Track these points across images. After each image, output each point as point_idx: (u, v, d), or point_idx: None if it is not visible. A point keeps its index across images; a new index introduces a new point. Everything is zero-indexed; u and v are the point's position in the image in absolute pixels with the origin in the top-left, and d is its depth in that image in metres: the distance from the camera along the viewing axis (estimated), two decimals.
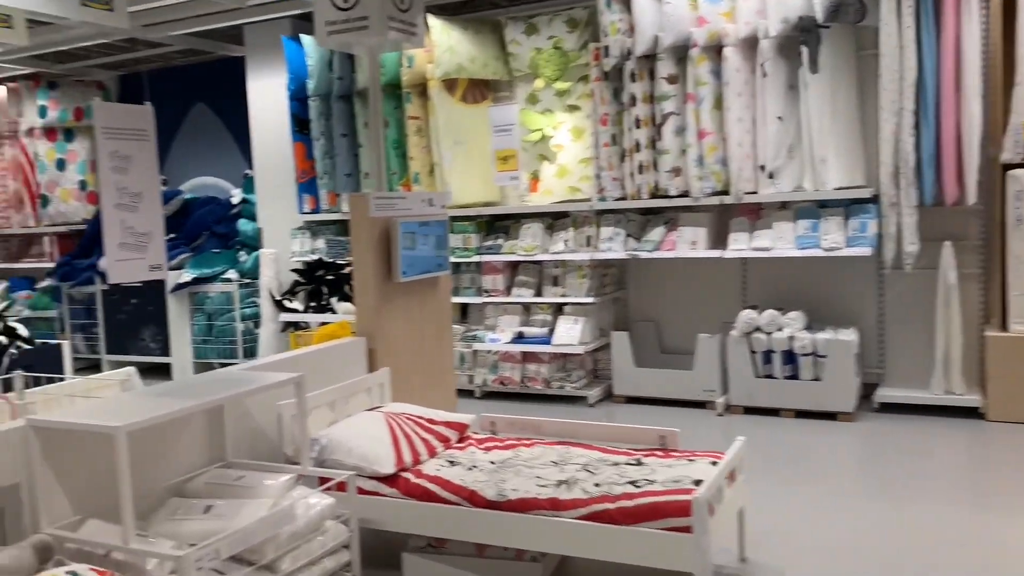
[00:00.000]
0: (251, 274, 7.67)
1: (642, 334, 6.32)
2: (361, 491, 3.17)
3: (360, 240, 4.11)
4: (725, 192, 5.63)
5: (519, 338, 6.20)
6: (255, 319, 7.65)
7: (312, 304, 7.09)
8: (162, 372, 7.79)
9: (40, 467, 2.54)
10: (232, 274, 7.63)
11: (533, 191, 6.66)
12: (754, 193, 5.58)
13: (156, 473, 2.96)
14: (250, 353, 7.60)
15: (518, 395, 6.28)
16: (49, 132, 8.60)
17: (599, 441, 3.57)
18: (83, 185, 8.72)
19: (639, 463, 3.25)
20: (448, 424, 3.68)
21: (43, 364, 5.94)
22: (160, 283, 7.61)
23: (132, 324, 7.79)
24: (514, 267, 6.47)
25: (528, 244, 6.23)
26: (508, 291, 6.41)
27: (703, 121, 5.61)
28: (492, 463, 3.34)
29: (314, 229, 7.23)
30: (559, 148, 6.53)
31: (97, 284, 7.94)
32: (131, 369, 4.51)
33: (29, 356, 5.87)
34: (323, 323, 6.71)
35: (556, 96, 6.47)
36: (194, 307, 7.71)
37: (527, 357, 6.21)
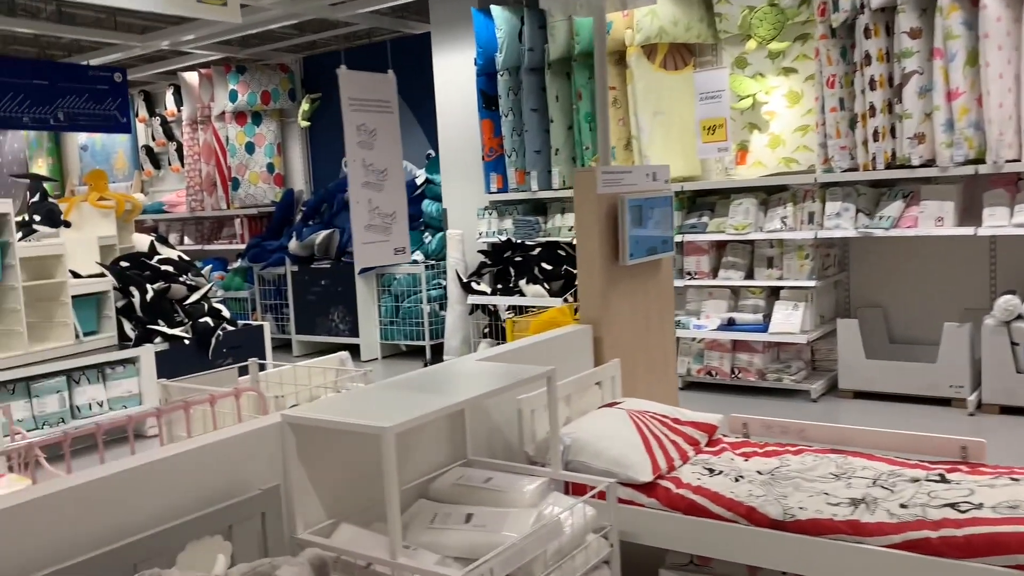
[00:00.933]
0: (436, 255, 7.54)
1: (868, 322, 5.67)
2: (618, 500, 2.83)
3: (585, 219, 3.76)
4: (980, 160, 4.90)
5: (729, 324, 5.71)
6: (441, 301, 7.51)
7: (499, 286, 6.85)
8: (351, 353, 7.79)
9: (296, 467, 2.34)
10: (418, 255, 7.51)
11: (740, 163, 6.13)
12: (1016, 161, 4.82)
13: (400, 472, 2.73)
14: (436, 335, 7.48)
15: (726, 387, 5.80)
16: (239, 116, 8.79)
17: (878, 450, 3.07)
18: (270, 168, 8.88)
19: (942, 479, 2.73)
20: (695, 425, 3.28)
21: (247, 345, 6.00)
22: (348, 264, 7.61)
23: (321, 305, 7.84)
24: (720, 247, 5.97)
25: (740, 222, 5.70)
26: (714, 273, 5.92)
27: (953, 80, 4.89)
28: (759, 473, 2.92)
29: (501, 209, 6.99)
30: (771, 116, 5.96)
31: (287, 265, 8.05)
32: (344, 354, 4.37)
33: (235, 337, 5.93)
34: (521, 308, 6.47)
35: (768, 58, 5.90)
36: (381, 288, 7.66)
37: (738, 346, 5.71)
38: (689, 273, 5.97)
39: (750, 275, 5.81)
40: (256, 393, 2.67)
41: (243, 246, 8.88)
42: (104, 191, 6.53)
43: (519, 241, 6.75)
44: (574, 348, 3.69)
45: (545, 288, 6.49)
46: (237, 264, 8.75)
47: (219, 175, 8.99)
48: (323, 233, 7.73)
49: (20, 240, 4.91)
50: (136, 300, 5.54)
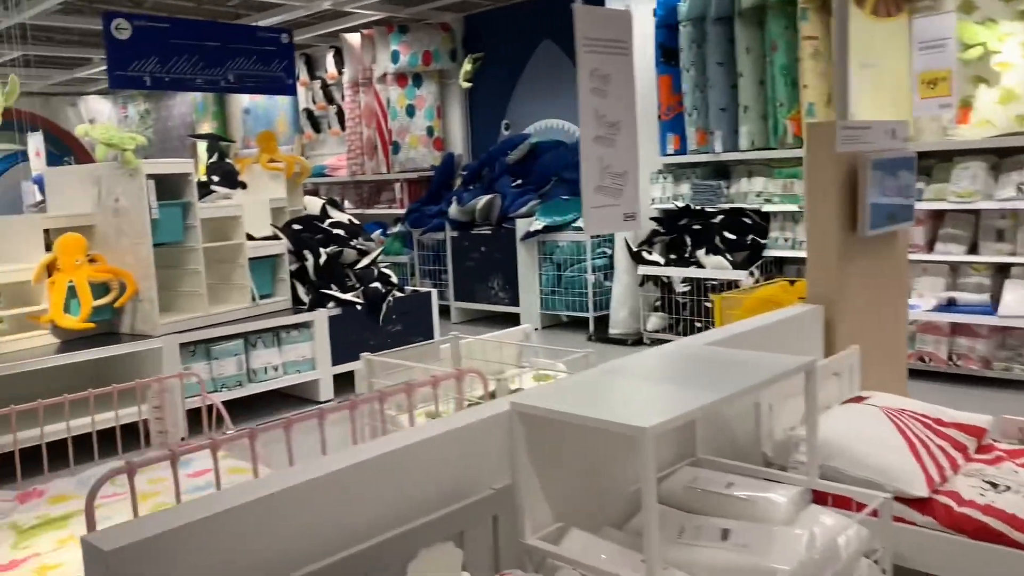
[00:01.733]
0: None
1: None
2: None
3: (819, 181, 3.27)
4: None
5: (949, 305, 5.04)
6: (606, 271, 7.13)
7: (672, 256, 6.39)
8: (510, 321, 7.56)
9: (526, 463, 2.03)
10: (582, 222, 7.13)
11: (961, 122, 5.38)
12: None
13: (624, 470, 2.38)
14: (600, 307, 7.11)
15: (942, 375, 5.14)
16: (400, 78, 8.64)
17: None
18: (430, 131, 8.70)
19: None
20: (960, 427, 2.76)
21: (415, 311, 5.82)
22: (510, 231, 7.33)
23: (480, 271, 7.62)
24: (937, 217, 5.27)
25: (965, 188, 5.00)
26: (930, 247, 5.24)
27: None
28: None
29: (677, 173, 6.50)
30: (1004, 67, 5.17)
31: (447, 230, 7.86)
32: (528, 327, 4.07)
33: (403, 303, 5.75)
34: (698, 280, 6.00)
35: (1003, 1, 5.11)
36: (542, 256, 7.35)
37: (958, 329, 5.04)
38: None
39: (973, 249, 5.10)
40: (477, 375, 2.38)
41: (402, 211, 8.78)
42: (274, 152, 6.49)
43: (698, 208, 6.25)
44: (801, 332, 3.23)
45: (728, 259, 5.99)
46: (396, 229, 8.66)
47: (380, 138, 8.90)
48: (484, 198, 7.48)
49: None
50: (310, 264, 5.44)
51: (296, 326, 5.23)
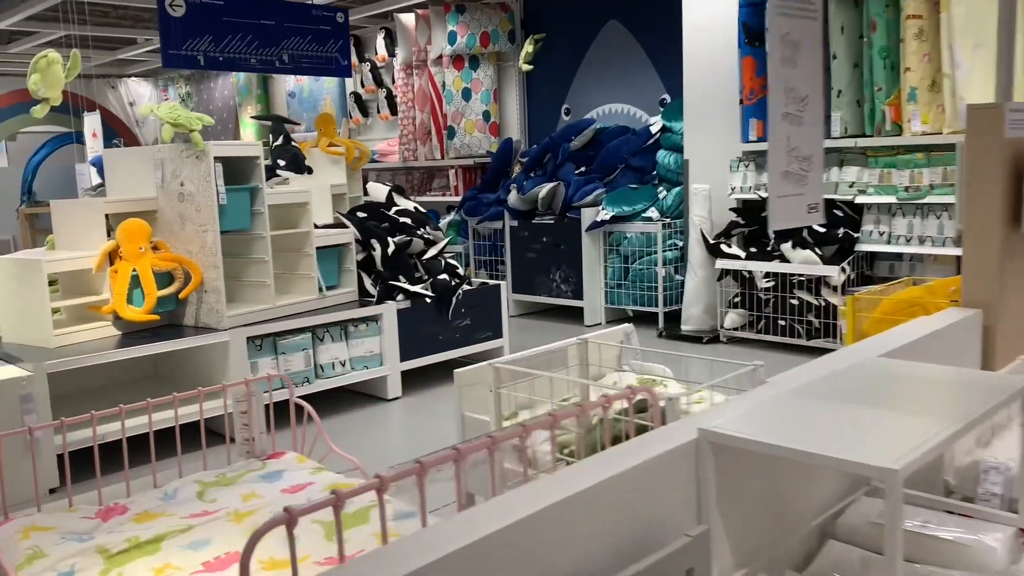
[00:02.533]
0: (672, 213, 6.79)
1: None
2: None
3: (981, 170, 2.90)
4: None
5: None
6: (676, 264, 6.78)
7: (752, 250, 6.03)
8: (572, 316, 7.25)
9: (716, 502, 1.71)
10: (652, 212, 6.79)
11: None
12: None
13: (802, 503, 2.06)
14: (670, 302, 6.77)
15: None
16: (456, 60, 8.31)
17: None
18: (486, 116, 8.38)
19: None
20: None
21: (484, 304, 5.52)
22: (574, 220, 7.00)
23: (541, 263, 7.30)
24: None
25: None
26: None
27: None
28: None
29: (760, 161, 6.12)
30: None
31: (505, 219, 7.54)
32: (629, 327, 3.73)
33: (472, 296, 5.45)
34: (783, 275, 5.64)
35: None
36: (608, 248, 7.01)
37: None
38: None
39: None
40: (649, 395, 2.06)
41: (455, 198, 8.48)
42: (333, 136, 6.20)
43: None
44: (956, 340, 2.88)
45: (817, 254, 5.62)
46: (451, 217, 8.36)
47: (434, 123, 8.59)
48: (547, 186, 7.14)
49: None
50: (377, 253, 5.15)
51: (364, 320, 4.94)
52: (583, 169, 7.32)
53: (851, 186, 5.61)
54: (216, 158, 4.25)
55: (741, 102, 6.15)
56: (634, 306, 6.91)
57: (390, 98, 9.52)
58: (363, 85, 9.84)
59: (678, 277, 6.82)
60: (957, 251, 5.12)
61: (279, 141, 5.05)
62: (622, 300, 6.97)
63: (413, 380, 5.31)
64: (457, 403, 3.06)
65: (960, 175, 3.00)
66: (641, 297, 6.84)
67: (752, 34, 6.00)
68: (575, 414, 1.69)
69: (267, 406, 3.01)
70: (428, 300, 5.21)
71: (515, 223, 7.49)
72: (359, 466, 2.80)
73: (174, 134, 4.15)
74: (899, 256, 5.64)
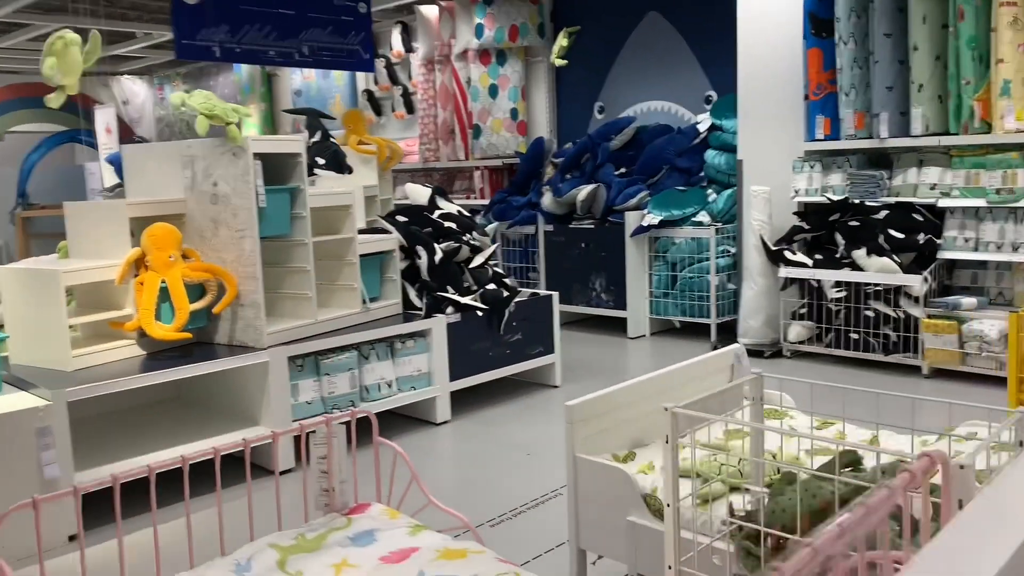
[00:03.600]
0: (723, 217, 6.33)
1: None
2: None
3: None
4: None
5: None
6: (729, 272, 6.33)
7: (818, 257, 5.58)
8: (613, 327, 6.78)
9: None
10: (703, 216, 6.34)
11: None
12: None
13: None
14: (723, 312, 6.32)
15: None
16: (483, 54, 7.84)
17: None
18: (514, 114, 7.90)
19: None
20: None
21: (535, 317, 5.04)
22: (617, 225, 6.53)
23: (580, 270, 6.83)
24: None
25: None
26: None
27: None
28: None
29: (827, 161, 5.68)
30: None
31: (539, 224, 7.06)
32: (739, 347, 3.27)
33: (521, 308, 4.96)
34: (855, 285, 5.17)
35: None
36: (654, 254, 6.55)
37: None
38: None
39: None
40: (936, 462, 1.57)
41: (480, 201, 8.00)
42: (363, 133, 5.71)
43: (858, 201, 5.44)
44: None
45: (895, 261, 5.18)
46: (479, 221, 7.87)
47: (458, 121, 8.11)
48: (587, 188, 6.68)
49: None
50: (423, 262, 4.66)
51: (412, 335, 4.45)
52: (624, 170, 6.86)
53: (932, 188, 5.18)
54: (255, 154, 3.74)
55: (806, 98, 5.70)
56: (682, 317, 6.45)
57: (406, 96, 9.03)
58: (377, 82, 9.34)
59: (731, 286, 6.36)
60: None
61: (316, 137, 4.55)
62: (669, 310, 6.51)
63: (462, 401, 4.82)
64: (568, 442, 2.57)
65: None
66: (691, 307, 6.38)
67: (819, 24, 5.55)
68: (879, 505, 1.21)
69: (374, 450, 2.52)
70: (479, 313, 4.72)
71: (550, 227, 7.01)
72: (467, 523, 2.31)
73: (209, 127, 3.65)
74: (983, 264, 5.21)
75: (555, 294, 5.20)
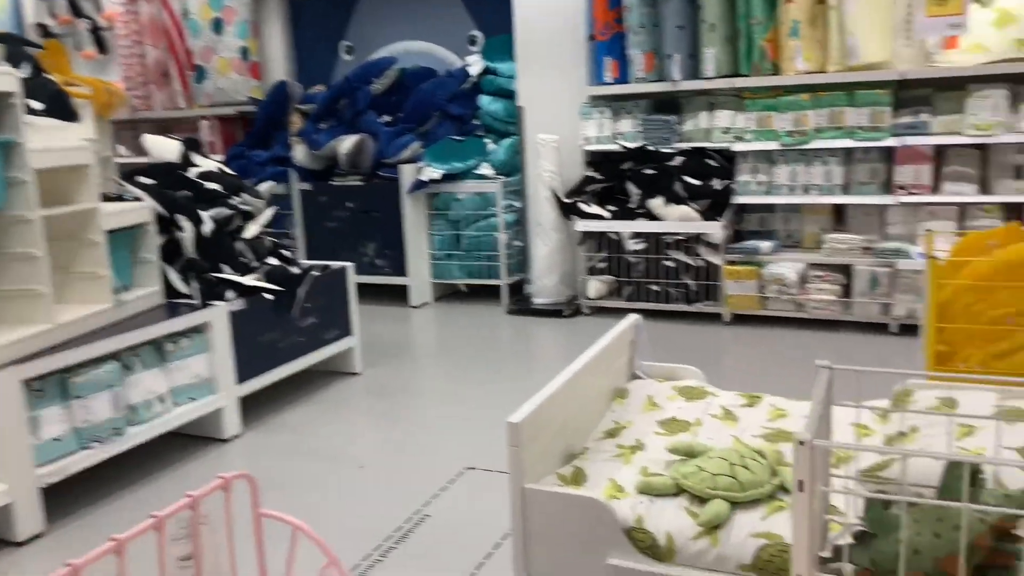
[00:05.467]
0: (504, 169, 5.85)
1: None
2: None
3: None
4: None
5: None
6: (516, 228, 5.89)
7: (612, 208, 5.32)
8: (394, 295, 6.06)
9: None
10: (485, 169, 5.80)
11: (950, 47, 4.85)
12: None
13: None
14: (514, 271, 5.87)
15: None
16: None
17: None
18: (244, 53, 6.73)
19: None
20: None
21: (326, 295, 4.21)
22: (390, 181, 5.79)
23: (348, 234, 5.99)
24: (939, 154, 4.73)
25: (984, 120, 4.46)
26: (935, 188, 4.69)
27: None
28: None
29: (615, 106, 5.39)
30: None
31: (293, 182, 6.09)
32: (636, 318, 2.81)
33: (318, 283, 4.13)
34: (656, 237, 4.97)
35: None
36: (434, 212, 5.91)
37: None
38: (903, 187, 4.70)
39: (986, 189, 4.63)
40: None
41: (215, 157, 6.75)
42: (68, 73, 4.39)
43: (653, 148, 5.22)
44: None
45: (694, 209, 5.04)
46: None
47: (175, 62, 6.74)
48: (351, 139, 5.83)
49: None
50: (187, 235, 3.61)
51: (185, 333, 3.42)
52: (388, 119, 6.09)
53: (726, 132, 5.09)
54: None
55: (591, 38, 5.36)
56: (469, 279, 5.90)
57: (96, 31, 7.39)
58: (53, 15, 7.54)
59: (518, 243, 5.93)
60: (849, 199, 4.82)
61: (26, 72, 3.25)
62: (453, 273, 5.93)
63: (254, 408, 3.88)
64: (515, 471, 1.92)
65: None
66: (478, 269, 5.85)
67: None
68: None
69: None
70: (268, 296, 3.79)
71: (307, 185, 6.07)
72: None
73: None
74: (771, 208, 5.25)
75: (349, 265, 4.37)
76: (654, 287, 5.25)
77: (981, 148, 4.66)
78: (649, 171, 5.18)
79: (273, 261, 4.01)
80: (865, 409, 2.15)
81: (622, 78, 5.31)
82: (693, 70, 5.11)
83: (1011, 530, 1.34)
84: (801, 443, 1.21)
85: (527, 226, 5.87)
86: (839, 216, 5.11)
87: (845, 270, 4.84)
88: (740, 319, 5.13)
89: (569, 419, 2.22)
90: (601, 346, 2.46)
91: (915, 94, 4.78)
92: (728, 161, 5.18)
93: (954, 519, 1.39)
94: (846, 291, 4.83)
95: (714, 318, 5.17)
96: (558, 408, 2.13)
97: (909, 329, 4.72)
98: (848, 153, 4.86)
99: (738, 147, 5.01)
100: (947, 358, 2.66)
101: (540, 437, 2.02)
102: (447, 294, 6.19)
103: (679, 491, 1.94)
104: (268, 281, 3.83)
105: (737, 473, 1.91)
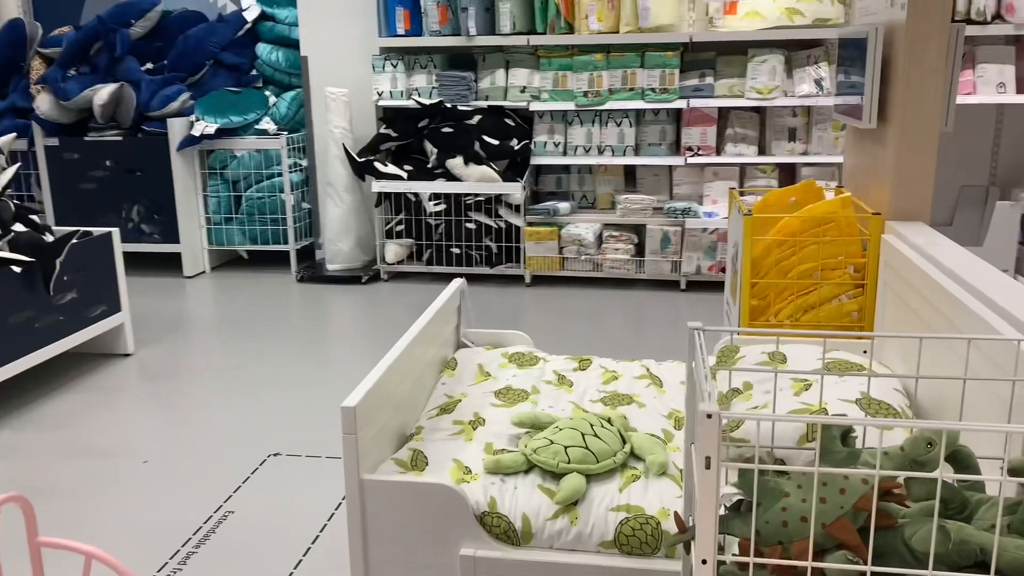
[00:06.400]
0: (287, 124, 5.42)
1: None
2: None
3: (927, 57, 2.49)
4: None
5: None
6: (303, 189, 5.48)
7: (408, 168, 5.09)
8: (164, 265, 5.45)
9: None
10: (266, 124, 5.33)
11: (729, 13, 5.07)
12: None
13: None
14: (302, 235, 5.47)
15: None
16: None
17: None
18: None
19: None
20: None
21: (89, 266, 3.66)
22: (157, 136, 5.16)
23: (106, 196, 5.28)
24: (721, 117, 4.94)
25: (764, 84, 4.70)
26: (718, 149, 4.89)
27: None
28: None
29: (409, 60, 5.13)
30: None
31: (38, 136, 5.26)
32: (461, 282, 2.67)
33: (76, 255, 3.59)
34: (455, 198, 4.82)
35: None
36: (208, 171, 5.35)
37: None
38: (691, 148, 4.87)
39: (762, 150, 4.90)
40: None
41: None
42: None
43: (451, 105, 5.02)
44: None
45: (494, 169, 4.94)
46: None
47: None
48: (107, 88, 5.11)
49: None
50: None
51: None
52: (151, 66, 5.42)
53: (523, 91, 5.00)
54: None
55: None
56: (252, 245, 5.43)
57: None
58: None
59: (306, 205, 5.53)
60: (641, 160, 4.91)
61: None
62: (232, 239, 5.42)
63: (3, 403, 3.29)
64: (349, 461, 1.69)
65: (871, 67, 2.55)
66: (262, 233, 5.39)
67: None
68: None
69: None
70: (17, 269, 3.20)
71: (54, 140, 5.27)
72: None
73: None
74: (567, 168, 5.26)
75: (114, 231, 3.81)
76: (455, 250, 5.10)
77: (759, 111, 4.92)
78: (447, 129, 4.99)
79: (20, 228, 3.39)
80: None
81: (415, 30, 5.05)
82: (489, 25, 4.97)
83: (893, 490, 1.31)
84: (709, 416, 1.09)
85: (315, 187, 5.49)
86: (631, 177, 5.22)
87: (638, 230, 4.95)
88: (539, 280, 5.11)
89: (402, 397, 2.01)
90: (431, 315, 2.25)
91: (700, 57, 4.95)
92: (526, 121, 5.11)
93: (839, 483, 1.35)
94: (639, 250, 4.95)
95: (515, 280, 5.12)
96: (392, 386, 1.91)
97: (695, 285, 4.93)
98: (639, 114, 4.95)
99: (535, 107, 4.94)
100: (760, 313, 2.73)
101: (375, 420, 1.79)
102: (226, 262, 5.67)
103: (530, 467, 1.80)
104: (14, 251, 3.23)
105: (590, 443, 1.80)
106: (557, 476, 1.77)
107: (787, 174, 4.97)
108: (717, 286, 4.91)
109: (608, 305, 4.63)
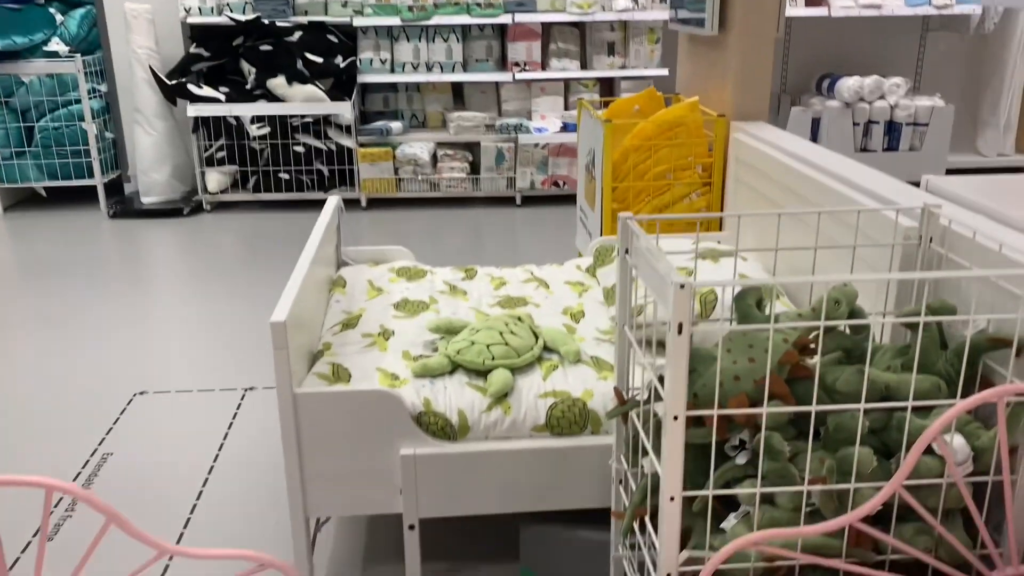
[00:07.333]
0: (79, 44, 4.91)
1: None
2: None
3: None
4: None
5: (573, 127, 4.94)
6: (104, 117, 5.02)
7: (224, 90, 4.81)
8: None
9: None
10: (56, 45, 4.80)
11: None
12: None
13: None
14: (108, 168, 5.03)
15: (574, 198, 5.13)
16: None
17: None
18: None
19: None
20: None
21: None
22: None
23: None
24: (546, 31, 5.04)
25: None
26: (543, 64, 5.01)
27: None
28: None
29: None
30: None
31: None
32: (336, 199, 2.65)
33: None
34: (281, 120, 4.63)
35: None
36: None
37: None
38: (517, 64, 4.94)
39: (584, 65, 5.07)
40: None
41: None
42: None
43: (268, 22, 4.75)
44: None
45: (320, 88, 4.77)
46: None
47: None
48: None
49: None
50: None
51: None
52: None
53: (345, 6, 4.83)
54: None
55: None
56: (49, 181, 4.93)
57: None
58: None
59: (109, 135, 5.08)
60: (468, 77, 4.92)
61: None
62: (26, 175, 4.89)
63: None
64: (281, 376, 1.68)
65: None
66: (62, 167, 4.90)
67: None
68: None
69: None
70: None
71: None
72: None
73: None
74: (394, 87, 5.18)
75: None
76: (283, 175, 4.92)
77: (579, 26, 5.06)
78: (265, 47, 4.74)
79: None
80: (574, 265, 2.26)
81: None
82: None
83: (809, 344, 1.50)
84: (682, 286, 1.20)
85: (118, 114, 5.05)
86: (458, 96, 5.23)
87: (471, 148, 5.01)
88: (376, 203, 5.06)
89: (308, 316, 1.98)
90: (320, 234, 2.21)
91: None
92: (349, 37, 4.95)
93: (763, 343, 1.52)
94: (474, 168, 5.01)
95: (351, 204, 5.03)
96: (302, 304, 1.88)
97: (529, 200, 5.09)
98: (466, 30, 4.95)
99: (359, 22, 4.80)
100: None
101: (295, 337, 1.77)
102: (20, 200, 5.13)
103: (455, 368, 1.86)
104: None
105: (508, 340, 1.88)
106: (482, 373, 1.84)
107: (607, 88, 5.19)
108: (551, 199, 5.09)
109: (447, 224, 4.68)
